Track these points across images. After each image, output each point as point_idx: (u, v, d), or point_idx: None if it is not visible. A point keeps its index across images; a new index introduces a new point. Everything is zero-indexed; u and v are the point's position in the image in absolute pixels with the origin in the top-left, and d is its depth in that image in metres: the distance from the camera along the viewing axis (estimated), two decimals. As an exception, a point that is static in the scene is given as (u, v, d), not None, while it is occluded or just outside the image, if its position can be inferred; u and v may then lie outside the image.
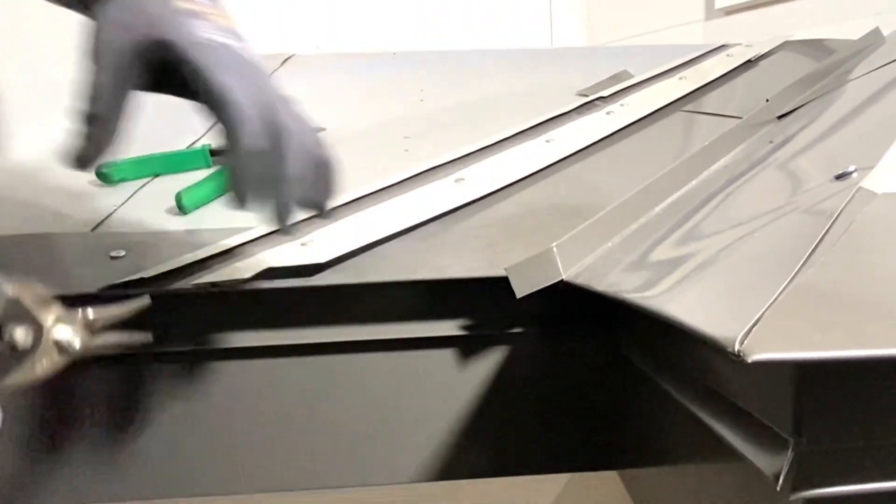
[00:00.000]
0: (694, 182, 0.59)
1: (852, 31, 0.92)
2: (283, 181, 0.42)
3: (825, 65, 0.84)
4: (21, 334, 0.39)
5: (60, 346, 0.40)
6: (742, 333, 0.27)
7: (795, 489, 0.29)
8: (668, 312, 0.34)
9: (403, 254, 0.53)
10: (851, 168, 0.43)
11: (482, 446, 0.53)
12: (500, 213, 0.60)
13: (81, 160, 0.40)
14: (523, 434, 0.54)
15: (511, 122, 0.77)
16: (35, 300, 0.40)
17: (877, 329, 0.28)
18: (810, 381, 0.30)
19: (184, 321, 0.50)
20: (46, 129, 0.56)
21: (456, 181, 0.64)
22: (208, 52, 0.40)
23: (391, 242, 0.54)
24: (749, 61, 0.99)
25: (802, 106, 0.71)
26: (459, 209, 0.59)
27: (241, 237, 0.55)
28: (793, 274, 0.32)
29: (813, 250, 0.34)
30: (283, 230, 0.45)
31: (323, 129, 0.78)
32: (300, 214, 0.46)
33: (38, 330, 0.39)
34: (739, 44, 1.06)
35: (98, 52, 0.39)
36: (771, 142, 0.62)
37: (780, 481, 0.29)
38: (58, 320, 0.40)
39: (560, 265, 0.47)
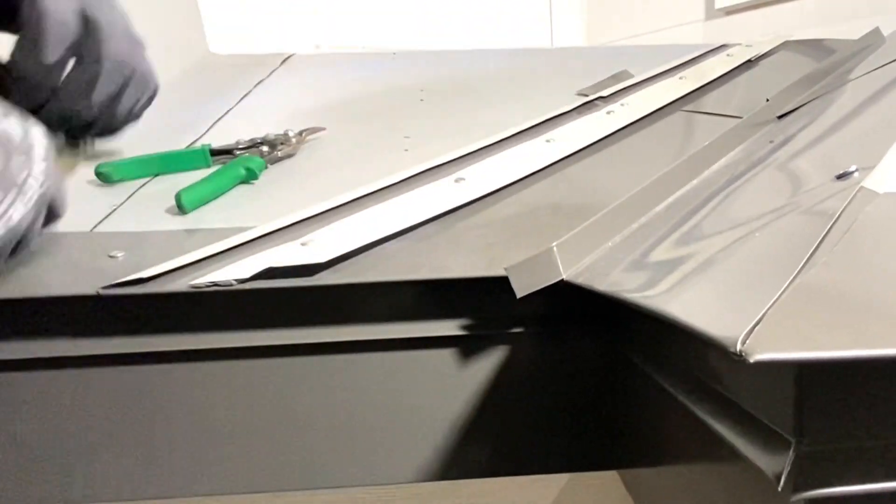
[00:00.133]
0: (694, 182, 0.59)
1: (852, 31, 0.92)
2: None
3: (825, 65, 0.84)
4: None
5: None
6: (744, 333, 0.27)
7: (797, 489, 0.29)
8: (669, 312, 0.34)
9: (403, 253, 0.53)
10: (853, 168, 0.43)
11: (482, 446, 0.53)
12: (500, 212, 0.59)
13: None
14: (523, 434, 0.53)
15: (511, 122, 0.77)
16: None
17: (879, 329, 0.28)
18: (812, 381, 0.29)
19: (183, 321, 0.50)
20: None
21: (456, 181, 0.64)
22: None
23: (391, 242, 0.54)
24: (749, 61, 0.99)
25: (803, 106, 0.71)
26: (459, 209, 0.59)
27: (240, 237, 0.55)
28: (794, 274, 0.31)
29: (814, 250, 0.34)
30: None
31: (323, 129, 0.78)
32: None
33: None
34: (739, 44, 1.06)
35: None
36: (771, 141, 0.62)
37: (782, 481, 0.29)
38: None
39: (560, 265, 0.47)
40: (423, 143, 0.76)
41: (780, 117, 0.70)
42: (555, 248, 0.48)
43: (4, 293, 0.48)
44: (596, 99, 0.86)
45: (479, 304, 0.51)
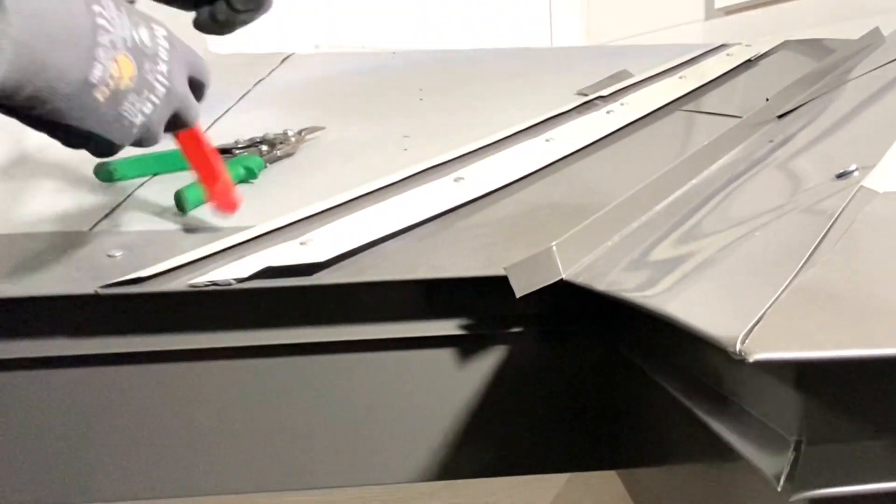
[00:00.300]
0: (694, 181, 0.59)
1: (852, 31, 0.92)
2: None
3: (825, 64, 0.84)
4: None
5: None
6: (743, 333, 0.27)
7: (797, 489, 0.29)
8: (669, 312, 0.34)
9: (402, 253, 0.53)
10: (853, 167, 0.43)
11: (481, 446, 0.53)
12: (500, 212, 0.59)
13: None
14: (523, 434, 0.53)
15: (511, 122, 0.77)
16: None
17: (879, 328, 0.28)
18: (812, 381, 0.29)
19: (182, 320, 0.50)
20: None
21: (455, 180, 0.64)
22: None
23: (390, 241, 0.54)
24: (749, 61, 0.99)
25: (802, 105, 0.71)
26: (459, 208, 0.59)
27: (239, 236, 0.55)
28: (794, 273, 0.31)
29: (814, 249, 0.33)
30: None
31: (323, 128, 0.78)
32: None
33: None
34: (739, 43, 1.06)
35: None
36: (771, 141, 0.62)
37: (782, 481, 0.29)
38: None
39: (560, 264, 0.47)
40: (422, 142, 0.76)
41: (779, 117, 0.70)
42: (554, 248, 0.48)
43: (4, 292, 0.48)
44: (595, 98, 0.86)
45: (478, 303, 0.50)
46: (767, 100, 0.77)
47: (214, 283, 0.48)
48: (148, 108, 0.46)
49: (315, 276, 0.49)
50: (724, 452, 0.35)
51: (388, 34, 1.92)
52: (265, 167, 0.70)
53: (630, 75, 0.93)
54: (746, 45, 1.05)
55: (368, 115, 0.88)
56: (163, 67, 0.46)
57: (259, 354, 0.51)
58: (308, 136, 0.77)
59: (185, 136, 0.55)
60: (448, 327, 0.51)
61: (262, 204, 0.64)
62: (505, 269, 0.48)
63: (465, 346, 0.51)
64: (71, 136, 0.44)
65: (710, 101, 0.86)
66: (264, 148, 0.72)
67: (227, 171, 0.57)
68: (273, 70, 1.06)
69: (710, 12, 1.82)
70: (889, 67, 0.71)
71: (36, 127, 0.43)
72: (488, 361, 0.52)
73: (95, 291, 0.48)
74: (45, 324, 0.49)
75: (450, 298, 0.50)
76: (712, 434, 0.35)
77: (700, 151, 0.63)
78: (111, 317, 0.50)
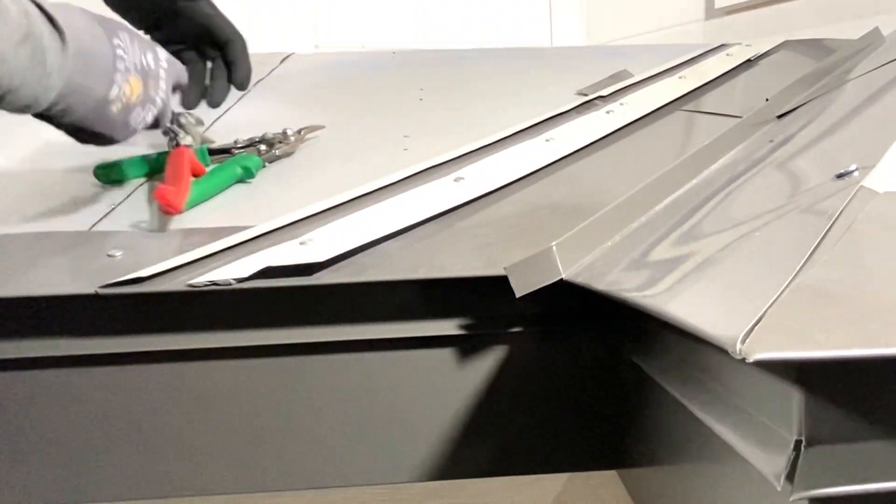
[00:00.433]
0: (694, 181, 0.58)
1: (852, 30, 0.92)
2: None
3: (825, 64, 0.84)
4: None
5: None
6: (743, 333, 0.27)
7: (796, 489, 0.29)
8: (669, 312, 0.34)
9: (402, 253, 0.53)
10: (853, 167, 0.43)
11: (481, 446, 0.53)
12: (500, 212, 0.59)
13: None
14: (522, 434, 0.53)
15: (510, 122, 0.77)
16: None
17: (878, 328, 0.28)
18: (811, 381, 0.29)
19: (182, 320, 0.50)
20: (44, 128, 0.56)
21: (455, 180, 0.64)
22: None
23: (390, 241, 0.54)
24: (749, 61, 0.99)
25: (802, 105, 0.70)
26: (459, 208, 0.59)
27: (238, 236, 0.55)
28: (794, 273, 0.31)
29: (814, 249, 0.33)
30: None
31: (322, 127, 0.78)
32: None
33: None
34: (739, 43, 1.06)
35: None
36: (771, 141, 0.62)
37: (781, 481, 0.29)
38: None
39: (559, 264, 0.47)
40: (422, 142, 0.76)
41: (779, 117, 0.70)
42: (554, 248, 0.48)
43: (3, 292, 0.48)
44: (595, 98, 0.86)
45: (478, 303, 0.50)
46: (767, 100, 0.77)
47: (214, 283, 0.48)
48: (150, 118, 0.59)
49: (315, 276, 0.49)
50: (724, 452, 0.35)
51: (388, 34, 1.91)
52: (263, 167, 0.70)
53: (630, 75, 0.93)
54: (746, 45, 1.05)
55: (368, 114, 0.88)
56: (162, 84, 0.59)
57: (259, 354, 0.51)
58: (308, 136, 0.76)
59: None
60: (448, 327, 0.51)
61: (262, 204, 0.64)
62: (505, 268, 0.48)
63: (465, 346, 0.51)
64: (85, 135, 0.56)
65: (709, 101, 0.86)
66: (263, 147, 0.72)
67: (189, 180, 0.63)
68: (273, 70, 1.06)
69: (710, 12, 1.82)
70: (889, 67, 0.71)
71: (58, 128, 0.55)
72: (488, 361, 0.52)
73: (95, 291, 0.48)
74: (44, 324, 0.49)
75: (450, 298, 0.50)
76: (712, 434, 0.35)
77: (700, 151, 0.63)
78: (111, 317, 0.50)
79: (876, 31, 0.89)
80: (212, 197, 0.64)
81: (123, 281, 0.48)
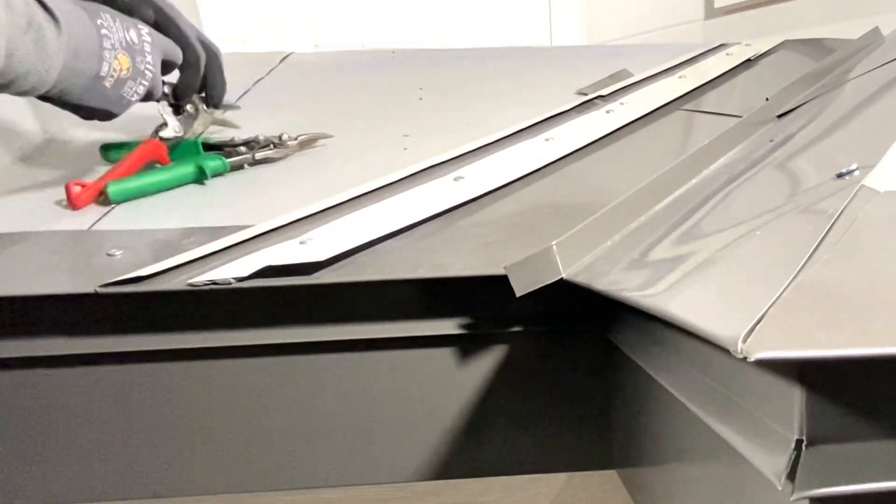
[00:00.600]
0: (694, 181, 0.58)
1: (852, 30, 0.92)
2: None
3: (825, 64, 0.84)
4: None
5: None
6: (745, 332, 0.27)
7: (797, 489, 0.29)
8: (670, 311, 0.34)
9: (402, 252, 0.53)
10: (853, 166, 0.43)
11: (481, 445, 0.53)
12: (500, 211, 0.59)
13: None
14: (522, 433, 0.53)
15: (510, 121, 0.77)
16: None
17: (880, 327, 0.28)
18: (812, 380, 0.29)
19: (181, 319, 0.50)
20: (44, 126, 0.56)
21: (455, 180, 0.64)
22: None
23: (390, 241, 0.54)
24: (749, 60, 0.99)
25: (802, 105, 0.70)
26: (458, 208, 0.59)
27: (238, 235, 0.54)
28: (795, 272, 0.31)
29: (815, 248, 0.33)
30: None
31: (330, 136, 0.77)
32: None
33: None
34: (739, 43, 1.06)
35: None
36: (771, 140, 0.62)
37: (782, 481, 0.29)
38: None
39: (560, 264, 0.47)
40: (422, 141, 0.76)
41: (779, 116, 0.70)
42: (554, 247, 0.48)
43: (3, 291, 0.48)
44: (595, 98, 0.86)
45: (478, 303, 0.50)
46: (767, 99, 0.76)
47: (214, 283, 0.48)
48: (141, 90, 0.64)
49: (315, 275, 0.49)
50: (725, 452, 0.35)
51: (387, 33, 1.91)
52: (227, 170, 0.69)
53: (630, 75, 0.93)
54: (746, 45, 1.05)
55: (368, 114, 0.88)
56: (149, 58, 0.63)
57: (259, 354, 0.51)
58: (315, 144, 0.75)
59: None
60: (448, 327, 0.51)
61: (262, 203, 0.64)
62: (505, 268, 0.48)
63: (465, 346, 0.51)
64: (84, 111, 0.61)
65: (709, 101, 0.86)
66: (242, 149, 0.71)
67: (133, 174, 0.66)
68: (272, 69, 1.06)
69: (710, 12, 1.82)
70: (889, 67, 0.71)
71: (62, 107, 0.61)
72: (488, 361, 0.52)
73: (95, 290, 0.47)
74: (44, 323, 0.49)
75: (450, 298, 0.50)
76: (713, 433, 0.35)
77: (700, 151, 0.63)
78: (110, 316, 0.50)
79: (876, 30, 0.89)
80: (157, 192, 0.64)
81: (123, 280, 0.48)
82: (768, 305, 0.29)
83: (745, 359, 0.26)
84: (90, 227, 0.58)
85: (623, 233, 0.51)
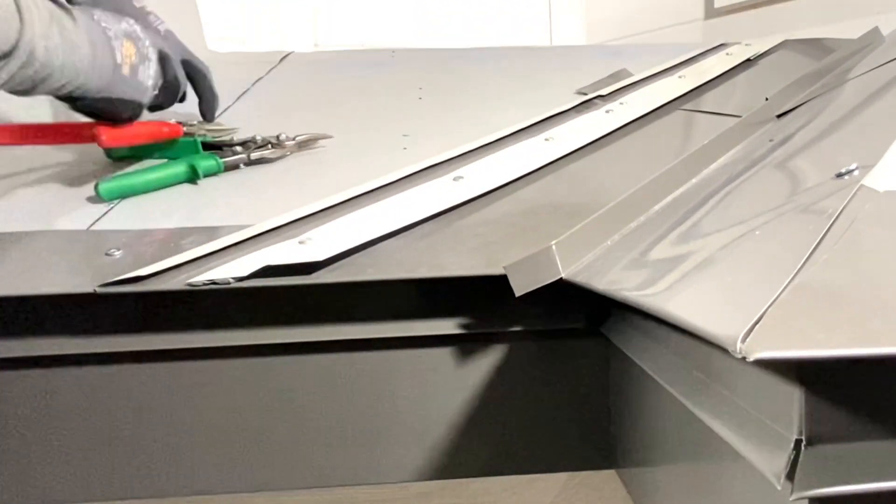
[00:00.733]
0: (694, 180, 0.58)
1: (852, 30, 0.92)
2: None
3: (824, 63, 0.84)
4: None
5: None
6: (744, 332, 0.27)
7: (797, 489, 0.29)
8: (669, 311, 0.34)
9: (402, 252, 0.53)
10: (853, 166, 0.43)
11: (481, 445, 0.53)
12: (499, 211, 0.59)
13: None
14: (522, 433, 0.53)
15: (510, 121, 0.77)
16: None
17: (880, 327, 0.28)
18: (812, 380, 0.29)
19: (181, 319, 0.50)
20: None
21: (454, 179, 0.63)
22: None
23: (389, 240, 0.54)
24: (748, 60, 0.99)
25: (802, 104, 0.70)
26: (458, 207, 0.59)
27: (238, 235, 0.54)
28: (795, 272, 0.31)
29: (815, 248, 0.33)
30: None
31: (329, 136, 0.77)
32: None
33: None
34: (739, 42, 1.06)
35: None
36: (771, 140, 0.62)
37: (781, 481, 0.29)
38: None
39: (559, 263, 0.47)
40: (421, 141, 0.76)
41: (779, 116, 0.70)
42: (554, 247, 0.48)
43: (2, 291, 0.48)
44: (595, 97, 0.86)
45: (477, 302, 0.50)
46: (767, 99, 0.76)
47: (213, 282, 0.48)
48: (152, 71, 0.65)
49: (314, 275, 0.49)
50: (724, 452, 0.35)
51: (387, 33, 1.91)
52: (221, 170, 0.69)
53: (629, 74, 0.93)
54: (746, 45, 1.05)
55: (367, 114, 0.88)
56: (147, 42, 0.64)
57: (258, 353, 0.51)
58: (315, 145, 0.75)
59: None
60: (447, 326, 0.51)
61: (261, 203, 0.63)
62: (504, 268, 0.48)
63: (465, 346, 0.51)
64: (112, 107, 0.62)
65: (709, 101, 0.86)
66: (238, 149, 0.71)
67: (135, 142, 0.68)
68: (272, 69, 1.06)
69: (710, 11, 1.82)
70: (889, 67, 0.71)
71: (89, 111, 0.62)
72: (488, 361, 0.52)
73: (94, 290, 0.47)
74: (42, 322, 0.49)
75: (449, 298, 0.50)
76: (712, 433, 0.35)
77: (699, 151, 0.63)
78: (110, 316, 0.50)
79: (876, 30, 0.89)
80: (148, 191, 0.64)
81: (122, 280, 0.48)
82: (768, 305, 0.29)
83: (744, 359, 0.26)
84: (89, 227, 0.58)
85: (623, 232, 0.51)
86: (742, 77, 0.94)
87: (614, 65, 0.97)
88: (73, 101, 0.59)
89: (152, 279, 0.48)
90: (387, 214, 0.57)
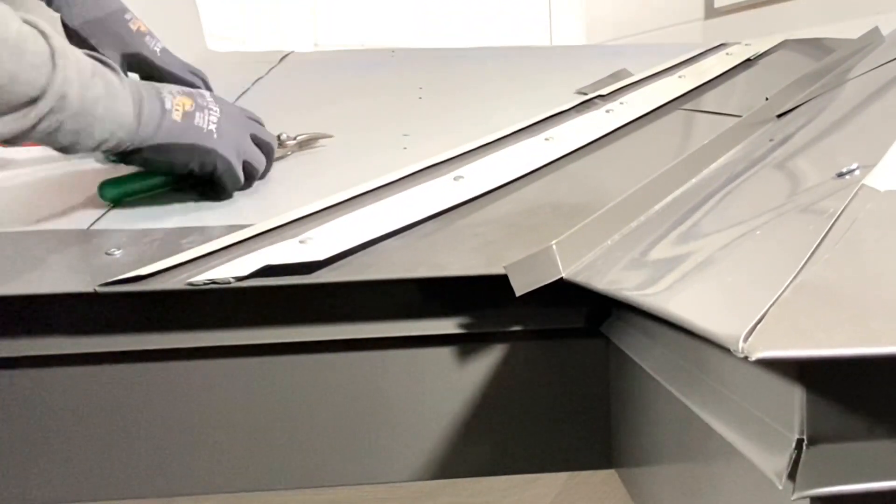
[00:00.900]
0: (694, 180, 0.58)
1: (852, 30, 0.92)
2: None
3: (824, 63, 0.84)
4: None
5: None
6: (745, 331, 0.27)
7: (798, 488, 0.29)
8: (670, 310, 0.34)
9: (402, 252, 0.52)
10: (854, 166, 0.43)
11: (481, 444, 0.53)
12: (499, 211, 0.59)
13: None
14: (522, 432, 0.53)
15: (510, 120, 0.77)
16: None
17: (881, 326, 0.28)
18: (813, 379, 0.29)
19: (181, 318, 0.50)
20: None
21: (455, 179, 0.63)
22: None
23: (390, 240, 0.54)
24: (748, 60, 0.99)
25: (802, 104, 0.70)
26: (458, 207, 0.59)
27: (238, 234, 0.54)
28: (796, 272, 0.31)
29: (816, 248, 0.33)
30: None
31: (329, 136, 0.77)
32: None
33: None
34: (739, 42, 1.06)
35: None
36: (771, 140, 0.62)
37: (783, 480, 0.29)
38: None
39: (559, 263, 0.47)
40: (421, 141, 0.76)
41: (779, 116, 0.70)
42: (554, 247, 0.47)
43: (3, 291, 0.48)
44: (595, 97, 0.86)
45: (477, 302, 0.50)
46: (767, 99, 0.76)
47: (213, 282, 0.48)
48: (214, 118, 0.62)
49: (314, 274, 0.49)
50: (725, 451, 0.34)
51: (387, 33, 1.91)
52: None
53: (629, 74, 0.93)
54: (746, 45, 1.05)
55: (368, 113, 0.88)
56: (209, 99, 0.64)
57: (258, 353, 0.51)
58: (314, 145, 0.75)
59: None
60: (448, 326, 0.51)
61: (262, 202, 0.63)
62: (505, 267, 0.47)
63: (465, 345, 0.51)
64: (171, 155, 0.60)
65: (709, 101, 0.86)
66: None
67: None
68: (272, 69, 1.06)
69: (710, 11, 1.82)
70: (889, 67, 0.71)
71: (147, 163, 0.61)
72: (488, 360, 0.52)
73: (94, 289, 0.47)
74: (43, 322, 0.49)
75: (449, 297, 0.50)
76: (713, 432, 0.35)
77: (700, 150, 0.63)
78: (110, 315, 0.50)
79: (875, 30, 0.89)
80: (151, 194, 0.64)
81: (122, 279, 0.48)
82: (769, 305, 0.29)
83: (745, 358, 0.26)
84: (89, 227, 0.58)
85: (623, 232, 0.51)
86: (742, 77, 0.94)
87: (614, 65, 0.97)
88: (126, 155, 0.59)
89: (152, 279, 0.48)
90: (387, 214, 0.57)
